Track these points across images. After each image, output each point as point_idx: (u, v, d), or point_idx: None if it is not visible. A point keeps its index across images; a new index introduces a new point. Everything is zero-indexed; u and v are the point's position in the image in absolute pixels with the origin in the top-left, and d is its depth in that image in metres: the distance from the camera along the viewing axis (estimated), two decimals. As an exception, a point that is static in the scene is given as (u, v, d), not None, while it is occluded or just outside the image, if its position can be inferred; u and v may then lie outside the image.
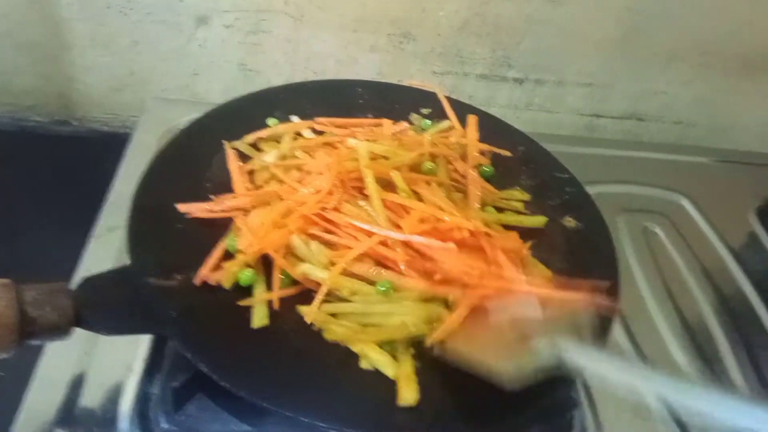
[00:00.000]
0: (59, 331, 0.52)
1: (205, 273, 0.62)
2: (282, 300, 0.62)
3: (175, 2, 0.95)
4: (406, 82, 0.91)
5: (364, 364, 0.59)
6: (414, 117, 0.85)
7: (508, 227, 0.72)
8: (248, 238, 0.63)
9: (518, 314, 0.57)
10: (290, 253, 0.64)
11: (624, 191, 0.97)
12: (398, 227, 0.64)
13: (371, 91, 0.87)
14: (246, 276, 0.62)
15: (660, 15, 1.00)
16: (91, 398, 0.62)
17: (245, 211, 0.68)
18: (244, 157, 0.76)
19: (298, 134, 0.79)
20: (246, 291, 0.62)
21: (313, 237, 0.65)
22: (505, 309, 0.58)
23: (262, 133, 0.78)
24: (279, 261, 0.62)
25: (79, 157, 1.02)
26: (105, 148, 0.91)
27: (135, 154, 0.87)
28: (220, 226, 0.67)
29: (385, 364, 0.59)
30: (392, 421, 0.56)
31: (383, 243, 0.63)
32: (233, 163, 0.74)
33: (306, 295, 0.63)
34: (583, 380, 0.70)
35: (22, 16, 0.96)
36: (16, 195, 0.93)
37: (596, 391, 0.70)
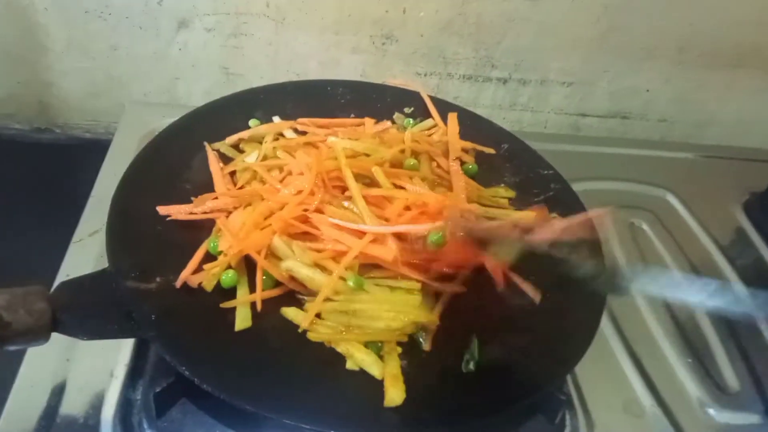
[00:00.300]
0: (35, 335, 0.50)
1: (186, 275, 0.61)
2: (265, 301, 0.61)
3: (154, 6, 0.94)
4: (388, 81, 0.90)
5: (349, 365, 0.59)
6: (397, 116, 0.85)
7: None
8: (230, 239, 0.63)
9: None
10: (272, 254, 0.63)
11: (610, 188, 0.97)
12: (385, 221, 0.63)
13: (354, 91, 0.87)
14: (228, 278, 0.61)
15: (635, 12, 1.00)
16: (72, 405, 0.61)
17: (227, 212, 0.67)
18: (225, 159, 0.75)
19: (281, 135, 0.78)
20: (228, 293, 0.62)
21: (295, 237, 0.64)
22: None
23: (244, 134, 0.77)
24: (261, 262, 0.62)
25: (60, 163, 1.01)
26: (86, 154, 0.90)
27: (115, 157, 0.86)
28: (201, 228, 0.66)
29: (371, 364, 0.58)
30: (379, 421, 0.55)
31: (374, 241, 0.62)
32: (214, 164, 0.73)
33: (289, 296, 0.62)
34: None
35: (-2, 23, 0.95)
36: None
37: (587, 389, 0.69)
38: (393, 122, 0.84)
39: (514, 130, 0.85)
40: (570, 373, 0.69)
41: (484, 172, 0.79)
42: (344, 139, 0.73)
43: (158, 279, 0.60)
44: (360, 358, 0.58)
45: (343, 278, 0.61)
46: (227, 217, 0.67)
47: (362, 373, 0.58)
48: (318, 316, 0.60)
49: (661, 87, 1.11)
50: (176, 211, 0.66)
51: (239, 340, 0.58)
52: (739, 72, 1.09)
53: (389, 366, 0.58)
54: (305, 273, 0.61)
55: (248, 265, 0.63)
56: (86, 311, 0.54)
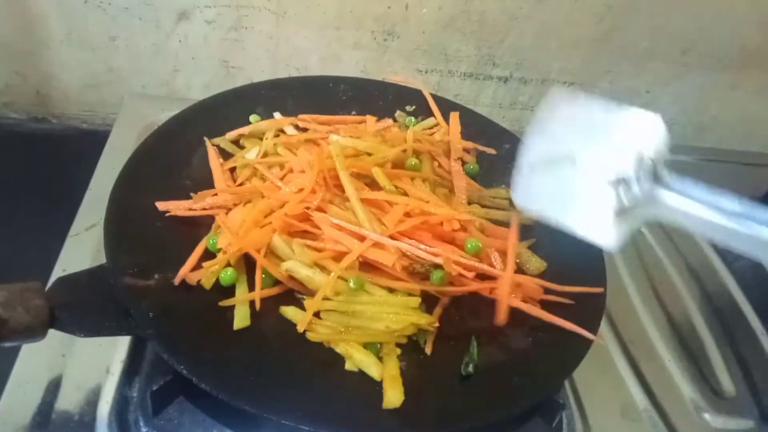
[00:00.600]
0: (33, 332, 0.50)
1: (185, 272, 0.60)
2: (264, 300, 0.61)
3: (154, -3, 0.94)
4: (389, 78, 0.89)
5: (348, 366, 0.58)
6: (399, 114, 0.84)
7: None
8: (229, 237, 0.62)
9: None
10: (272, 252, 0.63)
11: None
12: (391, 226, 0.63)
13: (355, 88, 0.86)
14: (227, 276, 0.61)
15: (639, 12, 1.00)
16: (68, 401, 0.61)
17: (226, 209, 0.67)
18: (225, 154, 0.75)
19: (281, 131, 0.78)
20: (227, 291, 0.61)
21: (295, 235, 0.63)
22: None
23: (244, 130, 0.77)
24: (260, 260, 0.61)
25: (57, 154, 1.00)
26: (83, 145, 0.90)
27: (113, 151, 0.85)
28: (200, 225, 0.66)
29: (371, 366, 0.58)
30: (377, 423, 0.54)
31: (375, 245, 0.62)
32: (214, 160, 0.72)
33: (288, 295, 0.62)
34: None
35: (-3, 13, 0.94)
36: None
37: (584, 393, 0.69)
38: (395, 120, 0.83)
39: (514, 129, 0.85)
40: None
41: (486, 173, 0.79)
42: (346, 137, 0.73)
43: (156, 276, 0.59)
44: (359, 359, 0.58)
45: (343, 279, 0.60)
46: (227, 214, 0.66)
47: (361, 374, 0.58)
48: (318, 316, 0.60)
49: (662, 88, 1.10)
50: (175, 207, 0.66)
51: (238, 339, 0.58)
52: (741, 74, 1.08)
53: (388, 367, 0.58)
54: (305, 273, 0.60)
55: (247, 262, 0.63)
56: (84, 308, 0.54)
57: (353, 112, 0.84)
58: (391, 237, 0.62)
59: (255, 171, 0.71)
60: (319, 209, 0.64)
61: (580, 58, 1.05)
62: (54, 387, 0.61)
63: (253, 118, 0.79)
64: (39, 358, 0.63)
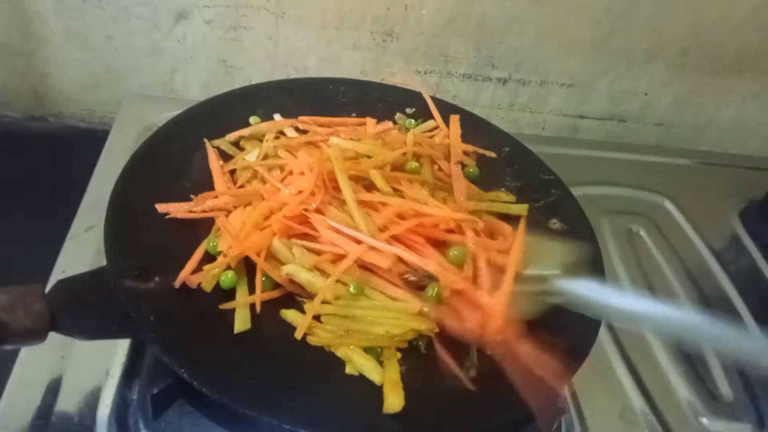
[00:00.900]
0: (33, 335, 0.50)
1: (185, 275, 0.60)
2: (264, 303, 0.61)
3: (153, -4, 0.93)
4: (388, 78, 0.89)
5: (349, 369, 0.58)
6: (399, 116, 0.84)
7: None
8: (230, 240, 0.62)
9: None
10: (272, 255, 0.63)
11: (608, 193, 0.98)
12: (383, 229, 0.63)
13: (355, 89, 0.86)
14: (227, 279, 0.61)
15: (638, 15, 1.00)
16: (67, 404, 0.61)
17: (226, 211, 0.67)
18: (225, 156, 0.74)
19: (281, 133, 0.78)
20: (227, 294, 0.61)
21: (295, 237, 0.63)
22: None
23: (245, 132, 0.76)
24: (261, 264, 0.61)
25: (55, 153, 0.99)
26: (82, 144, 0.89)
27: (112, 152, 0.85)
28: (200, 227, 0.66)
29: (371, 370, 0.58)
30: (378, 427, 0.54)
31: (372, 248, 0.61)
32: (214, 162, 0.72)
33: (289, 298, 0.62)
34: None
35: (-6, 12, 0.94)
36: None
37: (583, 397, 0.69)
38: (395, 123, 0.83)
39: (512, 130, 0.85)
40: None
41: (485, 176, 0.79)
42: (346, 139, 0.73)
43: (157, 279, 0.59)
44: (360, 363, 0.58)
45: (343, 283, 0.60)
46: (227, 216, 0.66)
47: (361, 378, 0.58)
48: (318, 320, 0.60)
49: (660, 90, 1.10)
50: (175, 209, 0.66)
51: (238, 342, 0.58)
52: (739, 77, 1.08)
53: (389, 371, 0.57)
54: (305, 277, 0.60)
55: (248, 265, 0.63)
56: (84, 311, 0.54)
57: (353, 114, 0.83)
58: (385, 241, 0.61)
59: (255, 173, 0.71)
60: (318, 211, 0.64)
61: (579, 60, 1.05)
62: (54, 389, 0.61)
63: (253, 119, 0.79)
64: (39, 361, 0.63)
